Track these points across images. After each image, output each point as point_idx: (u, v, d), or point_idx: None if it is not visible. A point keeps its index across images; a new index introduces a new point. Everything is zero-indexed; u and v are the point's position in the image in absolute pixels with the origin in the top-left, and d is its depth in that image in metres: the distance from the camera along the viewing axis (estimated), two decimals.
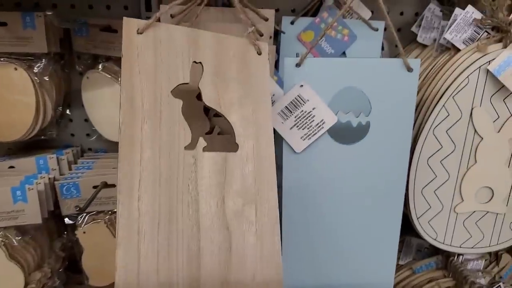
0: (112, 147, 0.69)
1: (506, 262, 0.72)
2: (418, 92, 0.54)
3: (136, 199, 0.40)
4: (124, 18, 0.40)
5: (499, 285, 0.65)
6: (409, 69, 0.47)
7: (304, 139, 0.49)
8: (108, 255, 0.57)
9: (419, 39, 0.60)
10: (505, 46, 0.50)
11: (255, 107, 0.43)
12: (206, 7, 0.52)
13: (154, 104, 0.41)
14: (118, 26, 0.58)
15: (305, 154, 0.49)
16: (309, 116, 0.48)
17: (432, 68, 0.56)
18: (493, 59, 0.50)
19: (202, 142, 0.43)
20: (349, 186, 0.50)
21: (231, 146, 0.44)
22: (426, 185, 0.54)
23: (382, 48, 0.62)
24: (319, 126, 0.49)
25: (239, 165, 0.43)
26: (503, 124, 0.52)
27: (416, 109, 0.54)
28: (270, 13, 0.53)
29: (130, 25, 0.40)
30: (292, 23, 0.58)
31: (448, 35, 0.53)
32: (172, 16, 0.53)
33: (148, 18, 0.63)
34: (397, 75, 0.47)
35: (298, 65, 0.47)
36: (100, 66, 0.60)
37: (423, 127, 0.52)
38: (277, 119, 0.48)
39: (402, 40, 0.64)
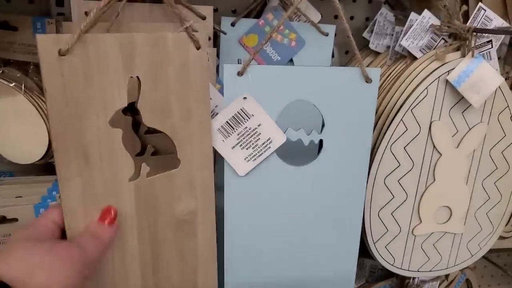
0: (20, 169, 0.57)
1: (454, 276, 0.70)
2: None
3: None
4: (38, 36, 0.30)
5: None
6: (368, 80, 0.41)
7: (249, 160, 0.42)
8: None
9: (371, 46, 0.56)
10: (463, 55, 0.47)
11: (194, 118, 0.37)
12: (129, 3, 0.43)
13: (91, 141, 0.33)
14: (18, 22, 0.47)
15: (250, 178, 0.42)
16: (254, 134, 0.41)
17: (387, 78, 0.51)
18: (452, 68, 0.46)
19: (145, 167, 0.37)
20: (301, 213, 0.44)
21: (172, 162, 0.38)
22: (383, 207, 0.49)
23: (332, 55, 0.56)
24: (265, 146, 0.42)
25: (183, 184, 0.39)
26: (462, 139, 0.49)
27: None
28: (207, 10, 0.45)
29: (47, 45, 0.30)
30: (232, 25, 0.51)
31: (404, 42, 0.49)
32: (86, 13, 0.43)
33: (60, 14, 0.53)
34: (354, 86, 0.41)
35: (240, 73, 0.39)
36: None
37: (380, 144, 0.46)
38: (217, 137, 0.41)
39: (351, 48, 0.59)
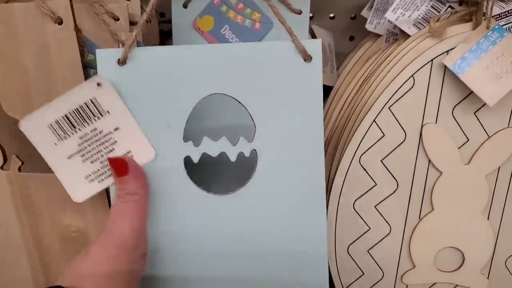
0: None
1: None
2: (350, 104, 0.37)
3: None
4: None
5: None
6: (306, 57, 0.29)
7: (93, 180, 0.29)
8: None
9: (368, 26, 0.42)
10: (474, 27, 0.32)
11: None
12: None
13: None
14: None
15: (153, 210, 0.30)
16: (105, 142, 0.29)
17: (369, 67, 0.38)
18: (454, 47, 0.31)
19: (16, 160, 0.32)
20: (228, 267, 0.31)
21: None
22: (355, 241, 0.36)
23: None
24: None
25: None
26: (476, 151, 0.33)
27: (335, 127, 0.37)
28: None
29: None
30: (185, 6, 0.43)
31: (390, 14, 0.35)
32: None
33: None
34: (289, 68, 0.29)
35: (121, 61, 0.29)
36: None
37: (343, 154, 0.34)
38: (47, 136, 0.28)
39: (357, 32, 0.47)
